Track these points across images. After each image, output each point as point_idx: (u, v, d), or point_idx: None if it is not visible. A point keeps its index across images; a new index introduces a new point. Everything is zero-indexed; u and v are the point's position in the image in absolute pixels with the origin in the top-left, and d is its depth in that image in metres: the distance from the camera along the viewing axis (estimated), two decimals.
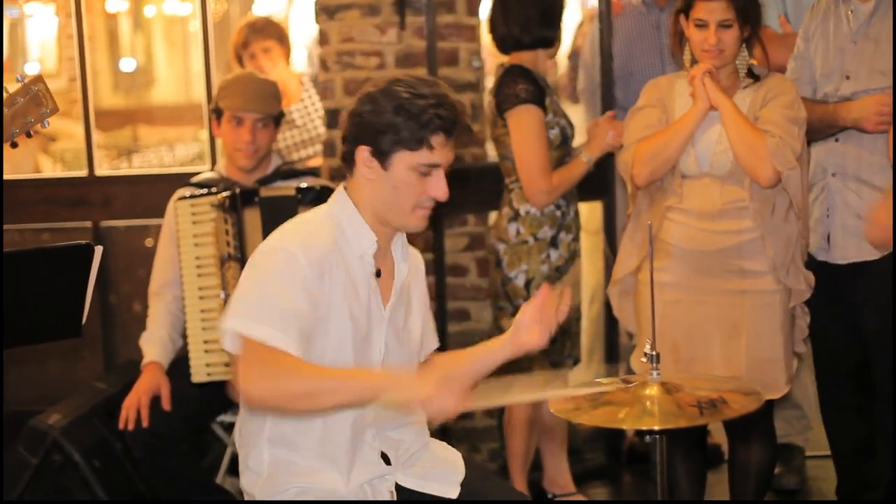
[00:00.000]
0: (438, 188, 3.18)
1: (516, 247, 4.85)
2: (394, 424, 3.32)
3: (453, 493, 3.38)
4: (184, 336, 4.74)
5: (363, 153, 3.18)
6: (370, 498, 3.26)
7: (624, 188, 5.21)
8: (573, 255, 5.00)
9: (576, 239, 5.03)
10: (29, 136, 3.37)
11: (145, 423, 4.57)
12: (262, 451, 3.25)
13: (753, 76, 4.43)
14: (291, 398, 3.00)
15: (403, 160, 3.14)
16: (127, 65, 9.43)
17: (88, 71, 6.05)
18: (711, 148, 4.36)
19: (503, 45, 4.93)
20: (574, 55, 6.11)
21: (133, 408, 4.59)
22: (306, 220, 3.29)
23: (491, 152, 5.36)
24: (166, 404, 4.62)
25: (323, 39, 5.55)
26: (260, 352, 3.00)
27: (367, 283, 3.25)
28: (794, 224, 4.36)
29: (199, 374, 4.68)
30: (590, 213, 5.77)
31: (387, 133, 3.13)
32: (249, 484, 3.30)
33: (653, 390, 3.19)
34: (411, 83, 3.16)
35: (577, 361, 5.12)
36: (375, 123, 3.14)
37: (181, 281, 4.74)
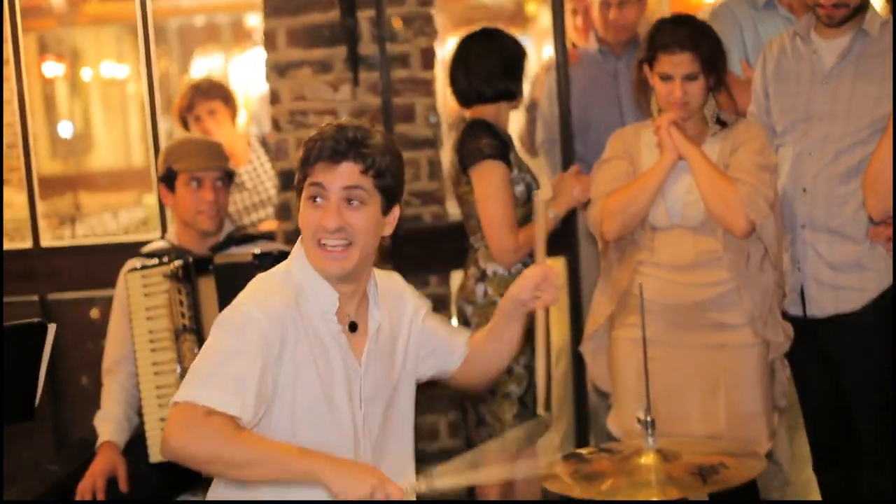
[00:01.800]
0: (321, 216, 3.02)
1: (484, 308, 4.67)
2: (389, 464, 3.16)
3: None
4: (139, 414, 4.53)
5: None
6: None
7: (589, 243, 5.08)
8: None
9: None
10: None
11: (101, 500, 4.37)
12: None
13: (721, 123, 4.32)
14: (216, 461, 2.84)
15: (304, 192, 3.07)
16: (65, 130, 9.24)
17: (30, 138, 5.84)
18: (682, 199, 4.25)
19: (464, 98, 4.74)
20: (532, 107, 5.99)
21: (88, 491, 4.38)
22: (265, 280, 3.14)
23: (452, 211, 5.22)
24: (123, 486, 4.42)
25: (274, 99, 5.40)
26: (194, 411, 2.84)
27: (336, 341, 3.10)
28: (771, 274, 4.25)
29: (157, 453, 4.46)
30: (557, 268, 5.62)
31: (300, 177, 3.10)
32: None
33: (649, 459, 3.00)
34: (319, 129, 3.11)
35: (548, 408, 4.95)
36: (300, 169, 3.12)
37: (135, 357, 4.53)
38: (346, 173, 3.01)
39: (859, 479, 4.48)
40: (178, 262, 4.45)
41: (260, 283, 3.13)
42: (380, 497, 2.80)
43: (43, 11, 9.05)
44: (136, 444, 4.52)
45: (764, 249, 4.23)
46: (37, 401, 3.50)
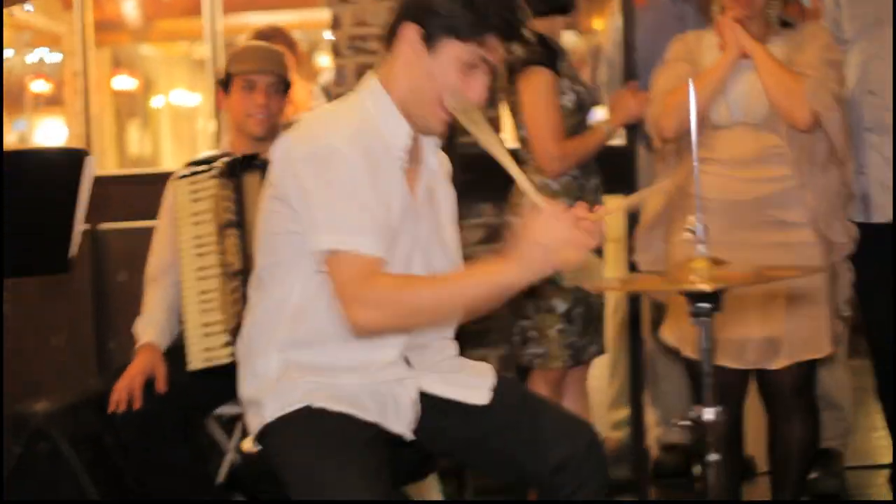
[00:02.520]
0: (475, 89, 2.91)
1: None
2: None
3: (483, 398, 3.06)
4: (182, 322, 4.42)
5: (410, 31, 2.92)
6: (391, 405, 2.99)
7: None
8: None
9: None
10: None
11: (137, 405, 4.22)
12: (270, 356, 3.00)
13: (785, 24, 4.20)
14: (407, 318, 2.82)
15: (452, 49, 2.89)
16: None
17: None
18: (745, 95, 4.12)
19: None
20: (595, 51, 5.90)
21: (125, 390, 4.23)
22: (341, 113, 3.01)
23: (508, 138, 5.09)
24: (161, 386, 4.26)
25: (335, 24, 5.35)
26: (357, 275, 2.76)
27: (400, 175, 2.99)
28: (835, 173, 4.10)
29: (196, 359, 4.34)
30: (612, 218, 5.47)
31: (442, 16, 2.88)
32: (255, 391, 3.03)
33: (700, 263, 2.82)
34: None
35: (600, 351, 4.79)
36: (432, 3, 2.90)
37: (179, 263, 4.43)
38: (501, 57, 2.94)
39: None
40: (225, 159, 4.39)
41: (334, 116, 3.00)
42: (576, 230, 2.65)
43: (117, 26, 9.20)
44: (177, 352, 4.40)
45: (829, 148, 4.07)
46: (73, 249, 3.34)
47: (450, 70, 2.90)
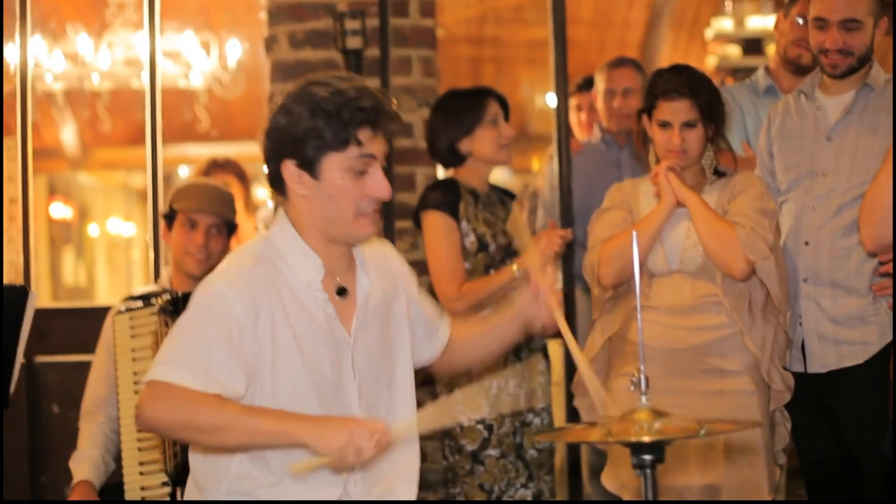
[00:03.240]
0: (378, 186, 2.95)
1: None
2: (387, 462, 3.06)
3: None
4: (117, 459, 4.39)
5: (289, 168, 2.93)
6: None
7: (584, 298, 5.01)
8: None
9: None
10: None
11: None
12: (219, 492, 2.99)
13: (719, 174, 4.30)
14: (187, 427, 2.82)
15: (333, 163, 2.91)
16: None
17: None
18: (680, 244, 4.19)
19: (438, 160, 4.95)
20: (533, 196, 5.99)
21: None
22: (240, 253, 3.05)
23: None
24: None
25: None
26: (164, 386, 2.81)
27: (323, 311, 3.00)
28: (773, 321, 4.15)
29: (134, 496, 4.31)
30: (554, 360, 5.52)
31: (309, 139, 2.89)
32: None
33: (643, 415, 2.86)
34: (326, 81, 2.93)
35: (538, 496, 4.82)
36: (295, 133, 2.90)
37: (117, 399, 4.41)
38: (385, 142, 2.97)
39: None
40: (166, 297, 4.39)
41: (235, 256, 3.04)
42: (358, 439, 2.73)
43: (54, 153, 9.20)
44: (112, 491, 4.37)
45: (766, 296, 4.15)
46: (13, 384, 3.34)
47: (343, 183, 2.91)
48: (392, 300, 3.17)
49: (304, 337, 2.95)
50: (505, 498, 4.68)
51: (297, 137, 2.90)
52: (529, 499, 4.71)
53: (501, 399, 4.64)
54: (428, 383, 4.75)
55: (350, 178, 2.91)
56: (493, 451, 4.63)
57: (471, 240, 4.69)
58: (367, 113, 2.89)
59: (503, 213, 4.81)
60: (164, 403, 2.80)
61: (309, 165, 2.91)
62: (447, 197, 4.69)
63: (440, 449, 5.08)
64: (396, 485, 3.10)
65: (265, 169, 3.02)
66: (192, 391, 2.79)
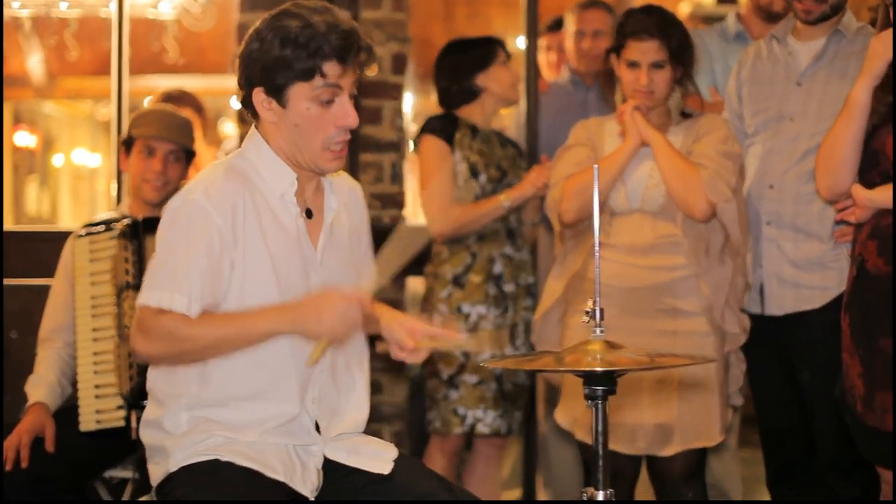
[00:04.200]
0: (344, 115, 2.99)
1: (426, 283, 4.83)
2: (346, 395, 3.14)
3: (385, 468, 3.09)
4: (73, 384, 4.37)
5: (259, 95, 3.00)
6: (297, 467, 3.02)
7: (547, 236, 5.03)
8: (494, 307, 4.78)
9: (501, 301, 4.84)
10: None
11: (24, 464, 4.16)
12: (179, 413, 3.02)
13: (686, 116, 4.30)
14: (183, 353, 2.93)
15: (299, 93, 2.96)
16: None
17: None
18: (643, 183, 4.20)
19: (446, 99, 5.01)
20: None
21: (13, 448, 4.18)
22: (214, 167, 3.08)
23: (410, 215, 5.19)
24: (50, 446, 4.21)
25: None
26: (147, 313, 2.90)
27: (295, 225, 3.04)
28: (730, 265, 4.17)
29: (88, 421, 4.30)
30: None
31: (277, 68, 2.95)
32: (161, 441, 3.04)
33: (596, 346, 2.86)
34: (298, 13, 2.97)
35: (509, 430, 4.95)
36: (265, 61, 2.96)
37: (74, 322, 4.39)
38: (354, 73, 3.00)
39: (814, 497, 4.34)
40: (126, 221, 4.37)
41: (209, 170, 3.07)
42: (349, 305, 2.85)
43: (19, 81, 9.09)
44: (68, 413, 4.35)
45: (724, 239, 4.16)
46: None
47: (309, 112, 2.96)
48: (355, 233, 3.21)
49: (275, 247, 2.99)
50: (479, 426, 4.76)
51: (267, 65, 2.96)
52: (503, 431, 4.83)
53: (480, 327, 4.77)
54: None
55: (316, 108, 2.97)
56: (469, 378, 4.71)
57: (462, 168, 4.82)
58: (335, 47, 2.93)
59: (501, 153, 4.95)
60: (157, 336, 2.88)
61: (277, 93, 2.97)
62: (445, 125, 4.86)
63: (396, 383, 5.14)
64: (347, 406, 3.15)
65: (236, 96, 3.08)
66: (182, 318, 2.86)
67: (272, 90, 2.97)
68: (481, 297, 4.80)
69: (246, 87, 3.01)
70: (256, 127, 3.08)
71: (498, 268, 4.84)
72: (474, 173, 4.83)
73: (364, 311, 2.89)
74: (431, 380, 4.84)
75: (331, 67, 2.94)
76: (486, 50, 4.95)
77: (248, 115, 3.06)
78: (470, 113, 4.91)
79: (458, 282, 4.82)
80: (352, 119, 3.00)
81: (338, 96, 2.97)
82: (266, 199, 3.01)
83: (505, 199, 4.76)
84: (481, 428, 4.77)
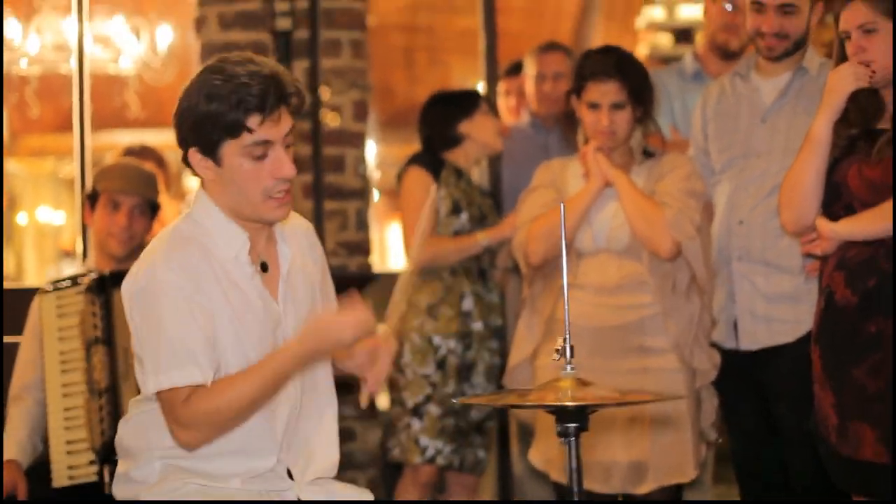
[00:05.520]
0: (279, 167, 2.91)
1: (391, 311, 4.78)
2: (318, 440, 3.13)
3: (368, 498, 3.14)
4: (45, 441, 4.35)
5: (195, 156, 2.94)
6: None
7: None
8: (461, 342, 4.85)
9: (467, 337, 4.88)
10: None
11: None
12: (151, 463, 2.99)
13: (648, 155, 4.34)
14: (230, 422, 2.91)
15: (231, 150, 2.89)
16: None
17: None
18: (608, 223, 4.23)
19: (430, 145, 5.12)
20: None
21: None
22: (166, 235, 3.02)
23: (377, 262, 5.21)
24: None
25: None
26: (173, 403, 2.87)
27: (252, 284, 3.00)
28: (697, 301, 4.20)
29: (61, 477, 4.27)
30: None
31: (206, 126, 2.88)
32: (133, 492, 3.01)
33: (566, 383, 2.86)
34: (221, 66, 2.90)
35: (476, 465, 5.00)
36: (194, 119, 2.90)
37: (43, 379, 4.37)
38: (286, 121, 2.93)
39: None
40: (92, 276, 4.36)
41: (162, 241, 3.01)
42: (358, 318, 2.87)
43: None
44: (40, 468, 4.33)
45: (690, 277, 4.19)
46: None
47: (244, 168, 2.91)
48: (312, 279, 3.17)
49: (240, 311, 2.95)
50: (439, 459, 4.82)
51: (196, 124, 2.90)
52: (454, 465, 4.89)
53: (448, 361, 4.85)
54: None
55: (249, 163, 2.90)
56: (434, 409, 4.75)
57: (446, 203, 4.95)
58: (256, 99, 2.86)
59: (480, 199, 5.09)
60: (197, 424, 2.87)
61: (210, 152, 2.91)
62: (433, 161, 4.98)
63: (369, 429, 5.15)
64: (318, 450, 3.14)
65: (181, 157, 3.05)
66: (207, 392, 2.86)
67: (205, 149, 2.91)
68: (452, 330, 4.87)
69: (183, 147, 2.96)
70: (202, 185, 3.04)
71: (468, 304, 4.91)
72: (456, 210, 4.96)
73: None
74: (394, 408, 4.89)
75: (255, 120, 2.86)
76: (469, 99, 5.14)
77: (194, 175, 3.02)
78: (454, 159, 5.03)
79: (431, 312, 4.88)
80: (287, 170, 2.92)
81: (271, 149, 2.90)
82: (221, 263, 2.96)
83: (483, 238, 4.87)
84: (440, 460, 4.83)
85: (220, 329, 2.92)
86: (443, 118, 5.04)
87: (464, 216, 4.95)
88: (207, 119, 2.87)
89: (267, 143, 2.89)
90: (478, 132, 5.03)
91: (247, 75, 2.86)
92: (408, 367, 4.83)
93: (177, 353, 2.85)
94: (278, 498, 3.02)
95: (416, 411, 4.82)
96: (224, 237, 2.98)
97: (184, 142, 2.94)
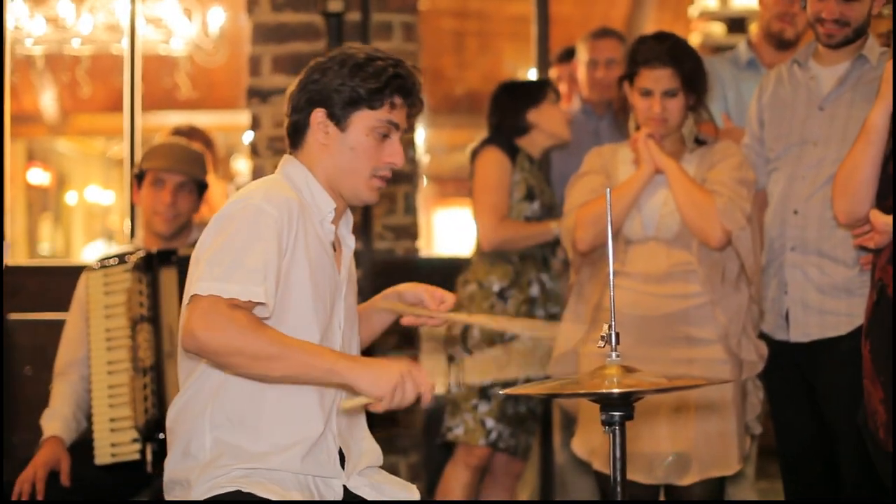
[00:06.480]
0: (395, 153, 3.07)
1: (459, 292, 4.83)
2: (359, 429, 3.15)
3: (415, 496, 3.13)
4: (88, 418, 4.37)
5: (318, 115, 3.03)
6: (316, 497, 2.99)
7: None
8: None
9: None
10: None
11: (40, 497, 4.15)
12: (203, 434, 2.96)
13: (699, 142, 4.29)
14: (240, 354, 2.79)
15: (363, 120, 3.02)
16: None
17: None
18: (657, 211, 4.19)
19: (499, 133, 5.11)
20: None
21: (28, 481, 4.18)
22: (267, 180, 3.06)
23: (424, 246, 5.20)
24: (65, 479, 4.21)
25: (255, 124, 5.38)
26: (218, 303, 2.79)
27: (328, 251, 3.06)
28: (745, 292, 4.15)
29: (103, 455, 4.30)
30: None
31: (345, 92, 3.01)
32: (183, 471, 2.99)
33: (612, 370, 2.84)
34: (364, 48, 3.08)
35: (527, 450, 5.01)
36: (332, 85, 3.02)
37: (89, 356, 4.39)
38: (410, 112, 3.11)
39: None
40: (140, 254, 4.37)
41: (263, 182, 3.05)
42: (408, 383, 2.79)
43: (33, 119, 9.14)
44: (83, 446, 4.35)
45: (739, 267, 4.14)
46: None
47: (367, 140, 3.02)
48: (353, 277, 3.25)
49: (316, 265, 2.99)
50: (500, 443, 4.84)
51: (334, 88, 3.02)
52: (513, 450, 4.91)
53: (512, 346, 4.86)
54: None
55: (373, 138, 3.03)
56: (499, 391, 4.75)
57: (520, 188, 4.97)
58: (406, 83, 3.04)
59: (547, 189, 5.12)
60: (220, 326, 2.77)
61: (338, 117, 3.02)
62: (510, 144, 4.99)
63: (413, 414, 5.14)
64: (364, 439, 3.17)
65: (285, 124, 3.11)
66: (248, 316, 2.79)
67: (333, 114, 3.02)
68: (522, 315, 4.86)
69: (302, 111, 3.05)
70: (297, 153, 3.09)
71: (534, 290, 4.92)
72: (530, 196, 4.98)
73: (422, 396, 2.86)
74: (459, 389, 4.88)
75: (397, 101, 3.03)
76: (538, 88, 5.16)
77: (291, 139, 3.08)
78: (524, 145, 5.04)
79: (502, 295, 4.88)
80: (399, 158, 3.08)
81: (393, 133, 3.05)
82: (312, 220, 3.02)
83: (556, 227, 4.83)
84: (500, 444, 4.84)
85: (293, 275, 2.94)
86: (512, 106, 5.05)
87: (536, 204, 4.98)
88: (350, 86, 3.00)
89: (394, 127, 3.04)
90: (546, 121, 5.05)
91: (392, 60, 3.04)
92: (476, 348, 4.81)
93: (249, 270, 2.82)
94: (324, 486, 3.02)
95: (484, 393, 4.81)
96: (313, 199, 3.05)
97: (307, 104, 3.05)
